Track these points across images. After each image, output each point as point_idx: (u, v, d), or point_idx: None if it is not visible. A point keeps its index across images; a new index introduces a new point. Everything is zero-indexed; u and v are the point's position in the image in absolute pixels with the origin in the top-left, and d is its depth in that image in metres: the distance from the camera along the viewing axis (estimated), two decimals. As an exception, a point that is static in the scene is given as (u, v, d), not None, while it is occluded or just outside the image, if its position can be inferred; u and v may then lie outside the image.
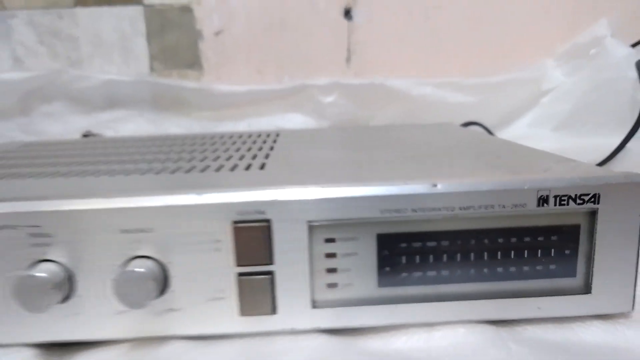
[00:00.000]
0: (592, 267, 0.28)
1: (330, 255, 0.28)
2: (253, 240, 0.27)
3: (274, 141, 0.51)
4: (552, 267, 0.29)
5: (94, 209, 0.27)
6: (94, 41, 0.73)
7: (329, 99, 0.72)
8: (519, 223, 0.28)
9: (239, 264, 0.28)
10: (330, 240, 0.28)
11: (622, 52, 0.68)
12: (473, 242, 0.28)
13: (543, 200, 0.27)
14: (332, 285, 0.29)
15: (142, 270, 0.27)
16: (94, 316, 0.28)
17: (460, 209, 0.27)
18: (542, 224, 0.28)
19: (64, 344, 0.29)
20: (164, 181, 0.32)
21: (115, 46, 0.73)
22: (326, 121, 0.73)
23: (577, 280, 0.29)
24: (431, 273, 0.29)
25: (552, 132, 0.75)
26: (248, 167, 0.35)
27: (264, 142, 0.51)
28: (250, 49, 0.74)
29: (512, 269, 0.29)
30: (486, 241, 0.28)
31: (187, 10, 0.73)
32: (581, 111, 0.72)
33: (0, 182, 0.34)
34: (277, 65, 0.75)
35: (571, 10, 0.75)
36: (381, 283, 0.29)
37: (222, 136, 0.55)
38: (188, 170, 0.35)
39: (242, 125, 0.74)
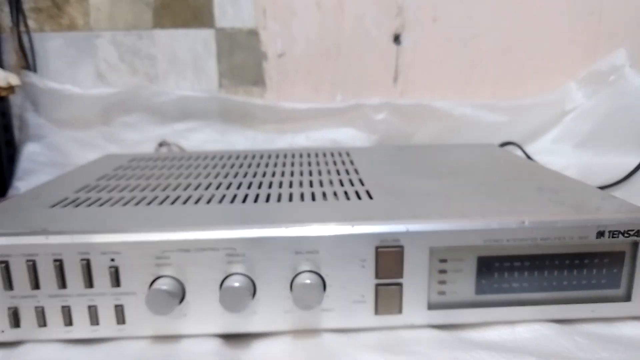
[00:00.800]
0: (633, 281, 0.39)
1: (442, 272, 0.39)
2: (390, 260, 0.38)
3: (351, 162, 0.61)
4: (603, 281, 0.39)
5: (276, 236, 0.37)
6: (170, 59, 0.82)
7: (380, 116, 0.82)
8: (581, 250, 0.39)
9: (378, 277, 0.38)
10: (443, 261, 0.38)
11: (639, 82, 0.78)
12: (547, 262, 0.39)
13: (600, 234, 0.38)
14: (441, 293, 0.39)
15: (310, 281, 0.37)
16: (272, 312, 0.38)
17: (541, 239, 0.38)
18: (598, 250, 0.39)
19: (242, 334, 0.39)
20: (314, 209, 0.42)
21: (188, 64, 0.82)
22: (375, 135, 0.83)
23: (621, 291, 0.39)
24: (515, 284, 0.39)
25: (573, 148, 0.85)
26: (359, 197, 0.45)
27: (343, 162, 0.60)
28: (308, 70, 0.84)
29: (574, 282, 0.39)
30: (557, 262, 0.39)
31: (254, 34, 0.82)
32: (600, 131, 0.82)
33: (192, 207, 0.43)
34: (331, 84, 0.85)
35: (593, 39, 0.85)
36: (477, 291, 0.39)
37: (300, 154, 0.65)
38: (313, 199, 0.45)
39: (300, 137, 0.83)
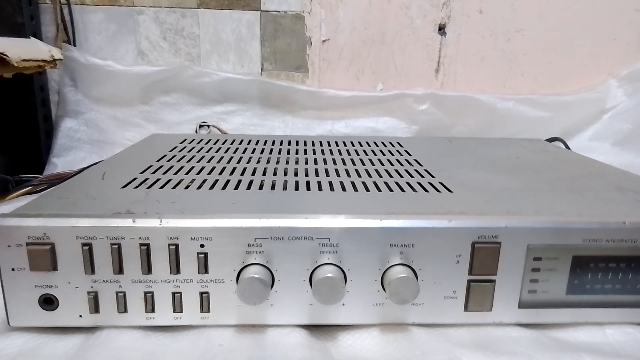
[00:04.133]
0: None
1: (535, 270, 0.38)
2: (486, 256, 0.37)
3: (408, 153, 0.59)
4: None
5: (371, 227, 0.36)
6: (213, 40, 0.80)
7: (422, 107, 0.80)
8: (679, 253, 0.38)
9: (472, 273, 0.37)
10: (537, 259, 0.37)
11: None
12: (642, 265, 0.38)
13: (701, 238, 0.37)
14: (532, 292, 0.38)
15: (405, 275, 0.36)
16: (361, 305, 0.37)
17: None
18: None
19: (329, 326, 0.38)
20: (399, 200, 0.41)
21: (231, 46, 0.80)
22: (416, 126, 0.82)
23: None
24: (607, 285, 0.38)
25: (612, 146, 0.85)
26: (438, 190, 0.44)
27: (400, 153, 0.59)
28: (351, 57, 0.82)
29: (668, 286, 0.38)
30: (652, 264, 0.38)
31: (299, 18, 0.80)
32: (640, 131, 0.82)
33: (271, 193, 0.42)
34: (372, 73, 0.83)
35: (635, 37, 0.84)
36: (569, 291, 0.38)
37: (353, 142, 0.64)
38: (390, 189, 0.44)
39: (340, 125, 0.82)
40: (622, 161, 0.81)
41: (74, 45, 0.77)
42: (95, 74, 0.76)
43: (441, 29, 0.82)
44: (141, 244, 0.35)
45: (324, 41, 0.81)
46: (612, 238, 0.37)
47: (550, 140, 0.76)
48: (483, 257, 0.37)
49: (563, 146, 0.75)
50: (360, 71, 0.83)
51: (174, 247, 0.35)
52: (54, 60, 0.69)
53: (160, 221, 0.35)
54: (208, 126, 0.81)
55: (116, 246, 0.35)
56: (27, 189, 0.60)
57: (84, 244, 0.35)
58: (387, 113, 0.82)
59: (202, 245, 0.35)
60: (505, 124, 0.81)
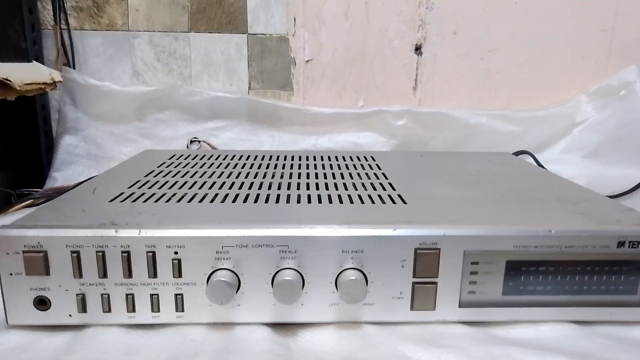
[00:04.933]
0: (647, 289, 0.43)
1: (473, 273, 0.42)
2: (427, 261, 0.41)
3: (378, 167, 0.64)
4: (621, 287, 0.43)
5: (326, 236, 0.41)
6: (204, 61, 0.85)
7: (400, 122, 0.85)
8: (602, 258, 0.42)
9: (415, 276, 0.42)
10: (475, 263, 0.42)
11: (650, 98, 0.82)
12: (570, 268, 0.42)
13: (621, 244, 0.42)
14: (471, 292, 0.43)
15: (355, 278, 0.40)
16: (318, 305, 0.42)
17: (566, 247, 0.42)
18: (618, 258, 0.42)
19: (291, 324, 0.43)
20: (356, 212, 0.46)
21: (221, 66, 0.86)
22: (395, 140, 0.87)
23: (638, 297, 0.43)
24: (539, 287, 0.43)
25: (582, 159, 0.89)
26: (394, 202, 0.49)
27: (370, 166, 0.64)
28: (333, 76, 0.87)
29: (594, 287, 0.43)
30: (579, 268, 0.42)
31: (283, 40, 0.85)
32: (609, 144, 0.86)
33: (242, 205, 0.47)
34: (354, 91, 0.88)
35: (604, 55, 0.89)
36: (505, 292, 0.43)
37: (329, 156, 0.69)
38: (351, 201, 0.48)
39: (324, 140, 0.87)
40: (591, 172, 0.86)
41: (74, 67, 0.83)
42: (93, 94, 0.82)
43: (417, 49, 0.87)
44: (122, 252, 0.40)
45: (307, 61, 0.86)
46: (540, 244, 0.41)
47: (518, 153, 0.80)
48: (425, 261, 0.41)
49: (531, 159, 0.80)
50: (342, 89, 0.88)
51: (151, 254, 0.40)
52: (54, 82, 0.75)
53: (140, 231, 0.40)
54: (199, 141, 0.86)
55: (101, 253, 0.40)
56: (28, 202, 0.65)
57: (72, 252, 0.40)
58: (367, 128, 0.87)
59: (176, 252, 0.40)
60: (478, 138, 0.86)
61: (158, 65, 0.85)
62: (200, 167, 0.62)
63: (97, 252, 0.40)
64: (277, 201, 0.49)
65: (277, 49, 0.86)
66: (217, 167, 0.62)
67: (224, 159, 0.67)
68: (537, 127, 0.86)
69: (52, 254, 0.40)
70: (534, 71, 0.88)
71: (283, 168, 0.63)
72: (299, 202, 0.49)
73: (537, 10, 0.85)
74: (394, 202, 0.49)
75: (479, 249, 0.41)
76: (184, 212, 0.45)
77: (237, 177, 0.57)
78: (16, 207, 0.64)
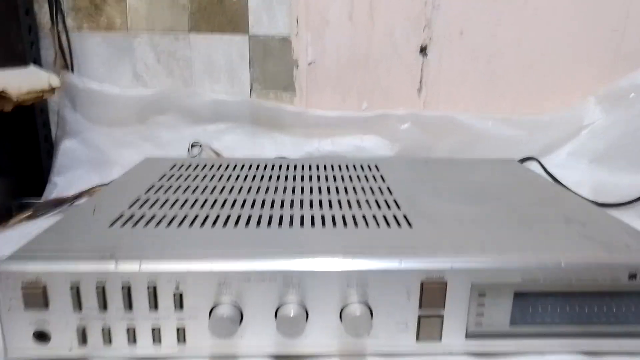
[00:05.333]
0: (658, 320, 0.42)
1: (481, 304, 0.42)
2: (434, 294, 0.40)
3: (383, 178, 0.63)
4: (631, 318, 0.42)
5: (329, 270, 0.40)
6: (205, 63, 0.84)
7: (404, 126, 0.84)
8: (612, 289, 0.41)
9: (421, 307, 0.41)
10: (482, 295, 0.41)
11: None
12: (579, 299, 0.42)
13: (632, 276, 0.41)
14: (478, 324, 0.42)
15: (360, 313, 0.40)
16: (322, 337, 0.41)
17: (575, 280, 0.41)
18: (629, 290, 0.41)
19: (294, 356, 0.42)
20: (358, 237, 0.45)
21: (222, 68, 0.84)
22: (398, 144, 0.85)
23: (647, 329, 0.42)
24: (547, 318, 0.42)
25: (588, 164, 0.87)
26: (400, 224, 0.48)
27: (374, 178, 0.63)
28: (337, 79, 0.85)
29: (604, 318, 0.42)
30: (588, 299, 0.42)
31: (286, 42, 0.83)
32: (616, 149, 0.84)
33: (242, 230, 0.46)
34: (357, 93, 0.86)
35: (612, 58, 0.86)
36: (512, 323, 0.42)
37: (331, 165, 0.68)
38: (356, 224, 0.47)
39: (327, 143, 0.86)
40: (597, 179, 0.84)
41: (72, 69, 0.81)
42: (93, 97, 0.81)
43: (423, 50, 0.85)
44: (123, 286, 0.39)
45: (310, 63, 0.84)
46: (549, 278, 0.41)
47: (524, 160, 0.79)
48: (431, 294, 0.40)
49: (538, 165, 0.79)
50: (346, 92, 0.86)
51: (152, 288, 0.39)
52: (52, 89, 0.73)
53: (140, 266, 0.39)
54: (200, 145, 0.85)
55: (100, 287, 0.39)
56: (27, 214, 0.65)
57: (72, 286, 0.39)
58: (371, 131, 0.85)
59: (177, 287, 0.40)
60: (483, 142, 0.85)
61: (159, 67, 0.84)
62: (202, 179, 0.62)
63: (96, 286, 0.39)
64: (280, 224, 0.48)
65: (280, 51, 0.84)
66: (219, 180, 0.61)
67: (225, 170, 0.66)
68: (543, 132, 0.85)
69: (51, 288, 0.39)
70: (541, 74, 0.86)
71: (285, 180, 0.62)
72: (302, 224, 0.48)
73: (544, 11, 0.82)
74: (399, 225, 0.48)
75: (486, 281, 0.41)
76: (185, 240, 0.44)
77: (238, 193, 0.57)
78: (16, 220, 0.63)
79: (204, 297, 0.40)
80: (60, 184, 0.80)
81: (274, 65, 0.84)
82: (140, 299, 0.40)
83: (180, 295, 0.40)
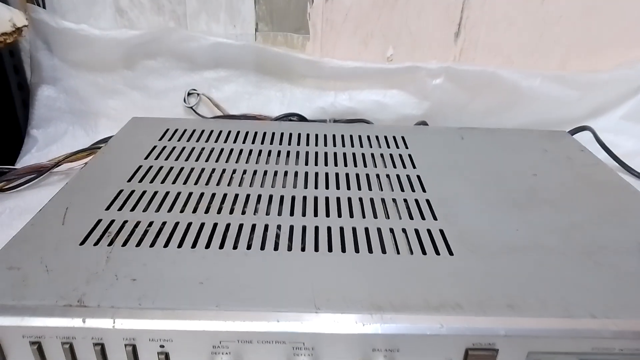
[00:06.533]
0: None
1: (535, 371, 0.34)
2: (480, 363, 0.33)
3: (412, 162, 0.53)
4: None
5: (350, 333, 0.32)
6: (201, -3, 0.70)
7: (437, 81, 0.72)
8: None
9: (463, 377, 0.33)
10: (539, 362, 0.33)
11: None
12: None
13: None
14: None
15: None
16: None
17: (658, 351, 0.32)
18: None
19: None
20: (387, 274, 0.36)
21: (222, 3, 0.71)
22: (427, 102, 0.74)
23: None
24: (613, 386, 0.34)
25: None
26: (437, 251, 0.39)
27: (403, 164, 0.53)
28: (359, 18, 0.72)
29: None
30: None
31: (299, -29, 0.69)
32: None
33: (242, 257, 0.38)
34: (382, 37, 0.73)
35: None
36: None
37: (351, 135, 0.58)
38: (384, 249, 0.39)
39: (343, 97, 0.74)
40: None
41: (44, 5, 0.68)
42: (70, 38, 0.68)
43: (464, -14, 0.71)
44: (95, 344, 0.32)
45: (327, 0, 0.71)
46: (628, 348, 0.32)
47: (576, 130, 0.68)
48: (477, 363, 0.33)
49: (592, 136, 0.67)
50: (368, 34, 0.73)
51: (130, 347, 0.32)
52: (18, 29, 0.61)
53: (114, 322, 0.31)
54: (198, 94, 0.74)
55: (67, 345, 0.32)
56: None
57: (32, 342, 0.31)
58: (395, 86, 0.74)
59: (162, 346, 0.32)
60: (527, 103, 0.73)
61: (145, 0, 0.70)
62: (196, 159, 0.52)
63: (62, 343, 0.31)
64: (290, 249, 0.39)
65: (291, -16, 0.70)
66: (216, 161, 0.52)
67: (224, 142, 0.56)
68: (598, 92, 0.73)
69: (7, 344, 0.32)
70: (604, 19, 0.72)
71: (297, 163, 0.52)
72: (316, 249, 0.39)
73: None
74: (436, 252, 0.39)
75: (547, 350, 0.33)
76: (173, 276, 0.35)
77: (234, 200, 0.47)
78: (-17, 197, 0.55)
79: (196, 357, 0.32)
80: (41, 139, 0.71)
81: (284, 1, 0.71)
82: (118, 358, 0.32)
83: (166, 355, 0.32)
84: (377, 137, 0.60)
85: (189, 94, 0.74)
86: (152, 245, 0.38)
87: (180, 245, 0.38)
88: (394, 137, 0.60)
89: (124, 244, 0.38)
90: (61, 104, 0.72)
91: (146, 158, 0.52)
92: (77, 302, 0.32)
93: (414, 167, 0.53)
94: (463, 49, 0.74)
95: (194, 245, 0.39)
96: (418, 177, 0.51)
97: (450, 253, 0.39)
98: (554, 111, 0.73)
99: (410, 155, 0.55)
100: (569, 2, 0.71)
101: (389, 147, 0.57)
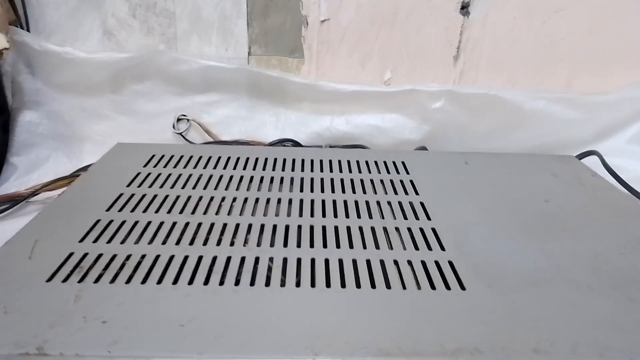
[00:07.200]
0: None
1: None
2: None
3: (414, 188, 0.50)
4: None
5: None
6: (192, 18, 0.67)
7: (437, 104, 0.69)
8: None
9: None
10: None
11: None
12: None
13: None
14: None
15: None
16: None
17: None
18: None
19: None
20: (393, 315, 0.32)
21: (214, 25, 0.68)
22: (428, 126, 0.71)
23: None
24: None
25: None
26: (448, 286, 0.35)
27: (405, 189, 0.50)
28: (355, 40, 0.69)
29: None
30: None
31: (293, -8, 0.67)
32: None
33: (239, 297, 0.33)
34: (380, 58, 0.71)
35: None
36: None
37: (348, 161, 0.54)
38: (394, 280, 0.35)
39: (339, 122, 0.71)
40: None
41: (26, 24, 0.65)
42: (53, 61, 0.65)
43: (464, 8, 0.68)
44: (55, 399, 0.27)
45: (323, 21, 0.68)
46: (670, 400, 0.28)
47: (583, 155, 0.64)
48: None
49: (597, 159, 0.64)
50: (366, 56, 0.71)
51: (98, 403, 0.27)
52: (-1, 51, 0.58)
53: (77, 375, 0.27)
54: (187, 120, 0.71)
55: (23, 400, 0.27)
56: (-33, 220, 0.52)
57: (-18, 397, 0.27)
58: (394, 109, 0.71)
59: (135, 402, 0.27)
60: (530, 125, 0.70)
61: (134, 22, 0.67)
62: (182, 186, 0.48)
63: (18, 397, 0.27)
64: (283, 284, 0.35)
65: (285, 4, 0.67)
66: (204, 189, 0.48)
67: (214, 168, 0.53)
68: (604, 114, 0.70)
69: (-50, 399, 0.27)
70: (607, 39, 0.70)
71: (291, 190, 0.48)
72: (313, 285, 0.35)
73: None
74: (447, 287, 0.35)
75: (578, 402, 0.28)
76: (149, 314, 0.31)
77: (223, 230, 0.43)
78: (-49, 229, 0.50)
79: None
80: (21, 166, 0.67)
81: (278, 23, 0.68)
82: (82, 416, 0.27)
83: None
84: (375, 162, 0.56)
85: (178, 120, 0.70)
86: (128, 281, 0.34)
87: (160, 282, 0.34)
88: (394, 162, 0.56)
89: (97, 281, 0.34)
90: (43, 129, 0.68)
91: (128, 185, 0.48)
92: (36, 351, 0.28)
93: (417, 193, 0.49)
94: (463, 70, 0.71)
95: (175, 281, 0.34)
96: (422, 203, 0.47)
97: (462, 287, 0.35)
98: (559, 134, 0.70)
99: (412, 181, 0.52)
100: (572, 24, 0.69)
101: (389, 172, 0.54)
